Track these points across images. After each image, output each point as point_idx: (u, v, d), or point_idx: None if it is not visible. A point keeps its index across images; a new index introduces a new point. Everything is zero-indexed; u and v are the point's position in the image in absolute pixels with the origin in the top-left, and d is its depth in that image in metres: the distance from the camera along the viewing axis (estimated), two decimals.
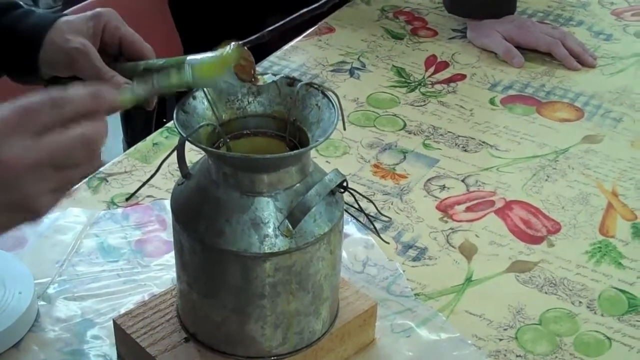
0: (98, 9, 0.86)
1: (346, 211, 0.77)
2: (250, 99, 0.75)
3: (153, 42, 0.87)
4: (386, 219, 0.98)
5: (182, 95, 0.72)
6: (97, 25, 0.85)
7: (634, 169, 1.09)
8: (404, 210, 1.00)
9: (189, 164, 0.74)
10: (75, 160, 0.60)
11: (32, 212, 0.60)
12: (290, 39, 1.35)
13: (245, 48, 0.69)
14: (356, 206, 0.82)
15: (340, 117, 0.70)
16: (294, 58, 1.31)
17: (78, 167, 0.60)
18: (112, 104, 0.62)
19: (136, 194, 0.98)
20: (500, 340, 0.84)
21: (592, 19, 1.46)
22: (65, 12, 0.97)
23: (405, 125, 1.16)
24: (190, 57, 0.71)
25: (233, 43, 0.69)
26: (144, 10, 1.42)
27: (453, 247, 0.95)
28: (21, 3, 0.89)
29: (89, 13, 0.86)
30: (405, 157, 1.10)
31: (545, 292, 0.89)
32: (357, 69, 1.29)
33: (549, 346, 0.83)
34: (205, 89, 0.73)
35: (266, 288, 0.71)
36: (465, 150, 1.11)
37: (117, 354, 0.80)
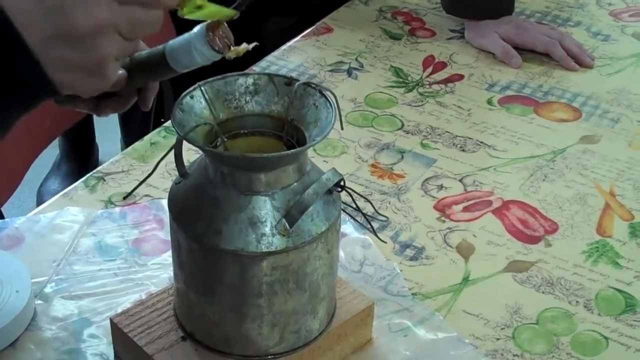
0: None
1: (344, 211, 0.77)
2: (248, 98, 0.75)
3: (150, 42, 0.87)
4: (384, 218, 0.98)
5: (180, 94, 0.73)
6: None
7: (631, 169, 1.09)
8: (401, 209, 1.00)
9: (186, 163, 0.74)
10: (137, 34, 0.63)
11: (102, 78, 0.62)
12: (289, 39, 1.35)
13: (224, 24, 0.68)
14: (354, 206, 0.82)
15: (337, 117, 0.70)
16: (292, 58, 1.31)
17: (135, 40, 0.64)
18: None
19: (133, 193, 0.98)
20: (498, 339, 0.84)
21: (590, 20, 1.47)
22: None
23: (403, 125, 1.16)
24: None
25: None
26: None
27: (450, 246, 0.95)
28: None
29: None
30: (402, 157, 1.10)
31: (543, 292, 0.90)
32: (355, 69, 1.29)
33: (546, 346, 0.83)
34: (202, 88, 0.73)
35: (263, 287, 0.71)
36: (463, 150, 1.12)
37: (114, 353, 0.80)
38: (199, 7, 0.67)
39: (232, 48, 0.69)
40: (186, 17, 0.66)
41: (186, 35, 0.68)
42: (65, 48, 0.59)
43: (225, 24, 0.68)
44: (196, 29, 0.68)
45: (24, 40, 0.57)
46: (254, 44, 0.70)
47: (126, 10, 0.60)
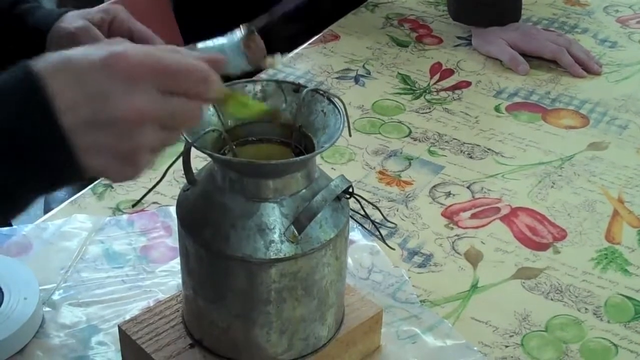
0: (107, 4, 0.87)
1: (352, 217, 0.77)
2: None
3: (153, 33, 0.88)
4: (392, 225, 0.98)
5: None
6: (104, 17, 0.86)
7: (639, 176, 1.09)
8: (409, 216, 1.00)
9: (194, 171, 0.74)
10: (177, 125, 0.61)
11: (133, 166, 0.60)
12: (296, 46, 1.35)
13: (255, 32, 0.68)
14: (362, 213, 0.82)
15: (345, 123, 0.70)
16: (299, 65, 1.31)
17: (176, 132, 0.62)
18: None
19: (142, 201, 0.98)
20: (506, 347, 0.83)
21: (597, 27, 1.47)
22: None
23: (410, 132, 1.16)
24: (201, 45, 0.70)
25: (242, 26, 0.68)
26: (147, 11, 1.43)
27: (459, 253, 0.95)
28: None
29: (97, 7, 0.87)
30: (410, 163, 1.10)
31: (551, 299, 0.89)
32: (362, 76, 1.29)
33: (555, 353, 0.83)
34: None
35: (272, 294, 0.71)
36: (471, 157, 1.11)
37: None
38: (244, 106, 0.67)
39: (267, 58, 0.68)
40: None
41: (219, 43, 0.68)
42: (100, 133, 0.57)
43: (258, 36, 0.68)
44: (230, 39, 0.67)
45: (60, 125, 0.56)
46: (287, 55, 0.70)
47: (169, 101, 0.59)
